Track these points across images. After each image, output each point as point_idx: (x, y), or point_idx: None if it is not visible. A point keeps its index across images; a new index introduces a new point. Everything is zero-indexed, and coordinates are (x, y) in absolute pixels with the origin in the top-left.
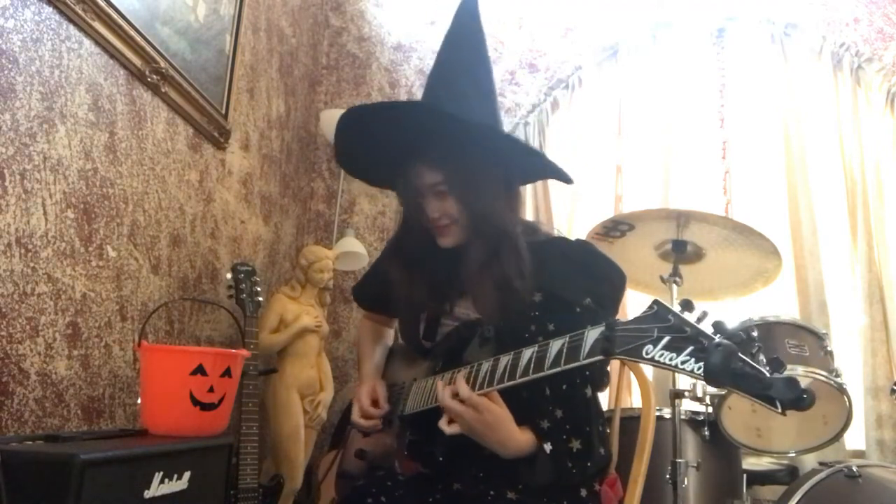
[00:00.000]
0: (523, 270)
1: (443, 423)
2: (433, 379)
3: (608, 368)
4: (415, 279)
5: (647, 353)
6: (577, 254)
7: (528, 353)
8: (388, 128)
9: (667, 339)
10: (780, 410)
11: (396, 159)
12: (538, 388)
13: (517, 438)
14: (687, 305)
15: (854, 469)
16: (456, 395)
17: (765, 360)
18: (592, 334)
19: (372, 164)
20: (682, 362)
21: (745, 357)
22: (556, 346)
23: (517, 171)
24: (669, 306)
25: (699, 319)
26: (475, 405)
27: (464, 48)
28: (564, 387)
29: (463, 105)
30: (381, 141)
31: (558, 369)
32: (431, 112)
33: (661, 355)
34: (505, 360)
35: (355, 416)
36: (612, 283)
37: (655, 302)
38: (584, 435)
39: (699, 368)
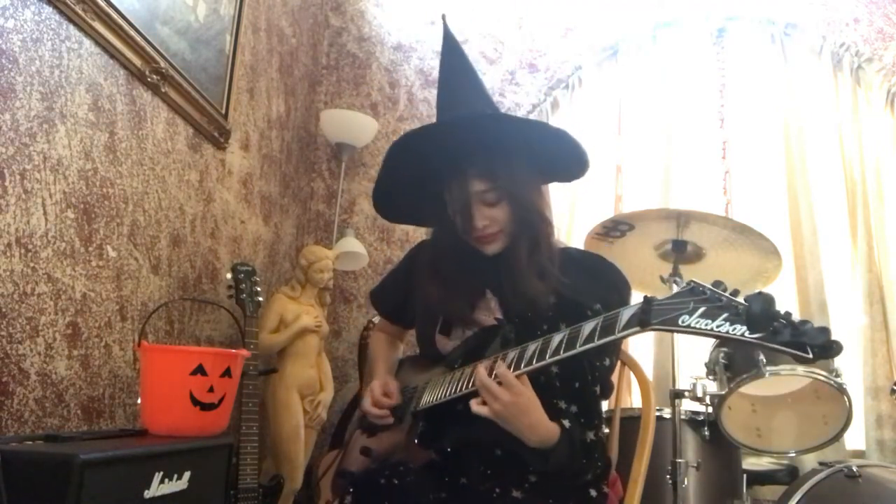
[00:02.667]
0: (555, 263)
1: (474, 404)
2: (452, 374)
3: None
4: (442, 288)
5: (683, 322)
6: (588, 262)
7: (558, 337)
8: (429, 151)
9: (703, 308)
10: (810, 356)
11: (435, 185)
12: (551, 384)
13: (545, 425)
14: (718, 285)
15: (854, 469)
16: (498, 374)
17: (797, 319)
18: (628, 311)
19: (407, 200)
20: (718, 326)
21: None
22: (588, 326)
23: (544, 165)
24: (705, 283)
25: (733, 294)
26: (511, 385)
27: (465, 71)
28: (577, 384)
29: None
30: (419, 169)
31: (592, 345)
32: (482, 120)
33: (698, 322)
34: (534, 346)
35: (366, 405)
36: (619, 291)
37: (691, 280)
38: (595, 429)
39: (734, 329)
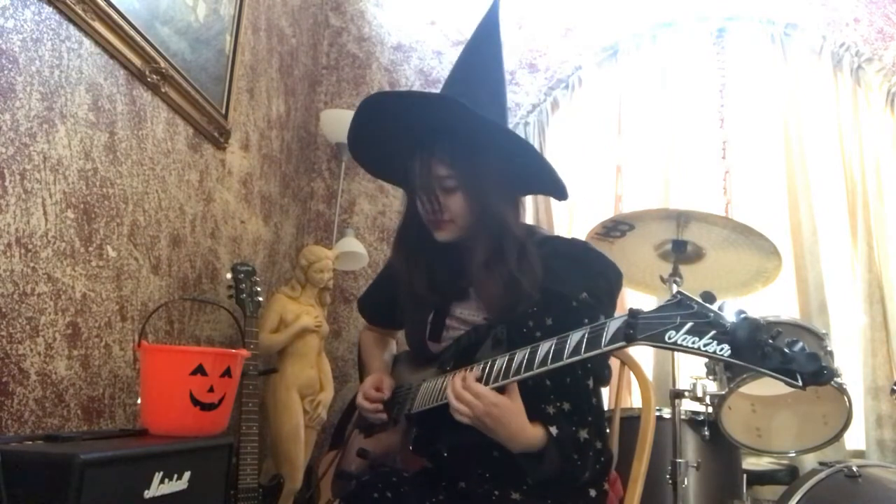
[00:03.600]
0: (534, 269)
1: (455, 411)
2: (444, 377)
3: (609, 362)
4: (416, 273)
5: (669, 338)
6: (572, 251)
7: (546, 346)
8: (404, 117)
9: (690, 324)
10: (800, 384)
11: (407, 151)
12: (541, 383)
13: (528, 434)
14: (708, 297)
15: (854, 469)
16: (465, 386)
17: (785, 342)
18: (614, 324)
19: (383, 154)
20: (705, 345)
21: (766, 333)
22: (575, 336)
23: (520, 179)
24: (693, 296)
25: (720, 309)
26: (480, 395)
27: (484, 54)
28: (568, 380)
29: (477, 104)
30: (394, 132)
31: (578, 358)
32: (451, 104)
33: (684, 339)
34: (521, 354)
35: (358, 398)
36: (607, 278)
37: (679, 292)
38: (589, 426)
39: (721, 349)
